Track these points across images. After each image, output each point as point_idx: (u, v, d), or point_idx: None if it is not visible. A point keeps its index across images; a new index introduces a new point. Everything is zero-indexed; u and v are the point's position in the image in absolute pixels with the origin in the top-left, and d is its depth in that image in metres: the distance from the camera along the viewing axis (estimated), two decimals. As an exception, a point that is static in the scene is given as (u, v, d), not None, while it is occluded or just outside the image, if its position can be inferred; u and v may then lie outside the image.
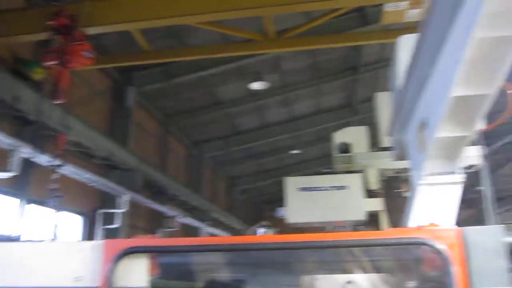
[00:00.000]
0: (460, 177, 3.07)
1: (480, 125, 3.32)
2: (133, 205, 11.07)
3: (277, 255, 2.79)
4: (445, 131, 2.71)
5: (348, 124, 17.30)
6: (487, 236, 2.34)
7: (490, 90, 2.42)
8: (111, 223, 10.01)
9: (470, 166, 3.88)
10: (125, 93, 11.69)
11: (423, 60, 2.99)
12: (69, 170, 8.16)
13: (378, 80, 13.46)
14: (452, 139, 2.79)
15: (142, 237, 2.42)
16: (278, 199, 9.00)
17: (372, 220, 6.29)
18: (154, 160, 13.61)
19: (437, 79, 2.74)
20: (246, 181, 21.96)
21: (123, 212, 10.11)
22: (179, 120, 14.86)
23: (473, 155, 4.97)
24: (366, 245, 2.53)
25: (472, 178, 4.49)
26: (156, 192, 12.90)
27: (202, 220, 15.54)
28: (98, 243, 2.39)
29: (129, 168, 10.87)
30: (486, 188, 5.30)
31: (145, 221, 13.36)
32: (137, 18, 7.06)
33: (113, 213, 10.02)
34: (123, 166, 10.62)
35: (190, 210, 14.99)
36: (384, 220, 6.23)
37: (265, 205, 25.00)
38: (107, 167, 10.51)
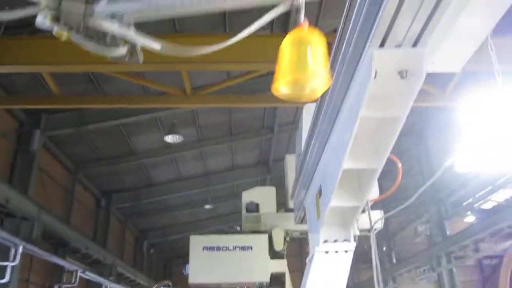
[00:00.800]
0: (353, 245, 3.17)
1: (373, 195, 3.50)
2: (28, 257, 10.16)
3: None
4: (338, 201, 2.82)
5: (262, 182, 17.61)
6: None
7: (378, 164, 2.58)
8: (1, 277, 9.06)
9: (371, 229, 4.03)
10: (30, 136, 11.04)
11: (320, 130, 3.14)
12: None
13: (292, 141, 13.95)
14: (345, 209, 2.90)
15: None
16: (188, 254, 8.75)
17: (278, 282, 6.27)
18: (58, 209, 12.76)
19: (331, 151, 2.87)
20: (157, 235, 21.20)
21: (14, 266, 9.21)
22: (89, 168, 14.21)
23: (375, 218, 5.17)
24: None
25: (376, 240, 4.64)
26: (56, 244, 12.00)
27: (106, 275, 14.60)
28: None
29: (27, 216, 10.06)
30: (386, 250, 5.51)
31: (41, 275, 12.29)
32: (48, 61, 6.82)
33: (2, 266, 9.09)
34: (20, 214, 9.81)
35: (93, 264, 14.06)
36: (288, 281, 6.23)
37: (175, 261, 24.16)
38: (1, 214, 9.65)
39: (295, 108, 12.07)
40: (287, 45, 2.11)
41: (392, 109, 2.29)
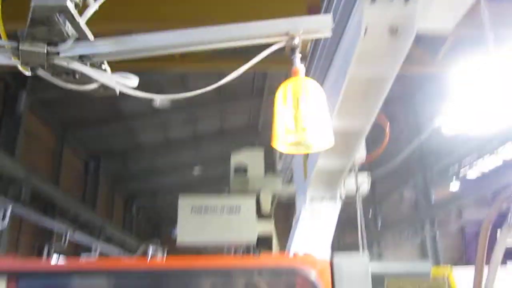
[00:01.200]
0: (339, 205, 3.22)
1: (360, 156, 3.53)
2: (17, 219, 10.17)
3: (148, 280, 2.69)
4: (325, 161, 2.84)
5: (251, 146, 17.65)
6: (354, 264, 2.46)
7: (365, 124, 2.59)
8: (-11, 239, 9.12)
9: (356, 190, 4.07)
10: (17, 98, 10.85)
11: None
12: None
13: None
14: (332, 169, 2.93)
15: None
16: (176, 218, 8.84)
17: (265, 243, 6.37)
18: (46, 173, 12.71)
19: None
20: (146, 198, 21.31)
21: (4, 227, 9.25)
22: (76, 131, 14.09)
23: (361, 182, 5.23)
24: (241, 271, 2.53)
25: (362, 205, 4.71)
26: (45, 206, 12.02)
27: (95, 237, 14.72)
28: None
29: (14, 179, 10.02)
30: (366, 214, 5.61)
31: (31, 237, 12.35)
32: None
33: (-9, 228, 9.12)
34: (8, 177, 9.77)
35: (83, 226, 14.14)
36: (275, 242, 6.34)
37: (164, 224, 24.39)
38: (-12, 177, 9.61)
39: (285, 72, 11.99)
40: (281, 100, 1.99)
41: (381, 68, 2.28)
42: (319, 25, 2.08)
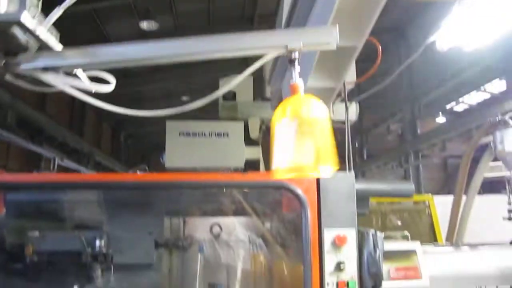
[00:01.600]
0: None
1: (350, 79, 3.49)
2: (5, 145, 10.14)
3: (142, 195, 2.73)
4: (315, 81, 2.80)
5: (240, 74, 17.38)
6: (340, 182, 2.50)
7: (357, 42, 2.52)
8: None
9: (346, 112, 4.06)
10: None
11: (301, 8, 3.01)
12: None
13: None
14: (322, 89, 2.89)
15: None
16: (165, 146, 8.87)
17: (252, 168, 6.46)
18: (32, 98, 12.50)
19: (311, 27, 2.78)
20: (134, 126, 21.28)
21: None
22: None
23: (351, 111, 5.24)
24: (230, 186, 2.56)
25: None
26: (32, 133, 11.95)
27: (83, 164, 14.83)
28: None
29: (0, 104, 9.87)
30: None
31: (19, 162, 12.39)
32: None
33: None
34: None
35: (71, 153, 14.19)
36: (263, 168, 6.43)
37: (153, 151, 24.55)
38: (-28, 103, 9.44)
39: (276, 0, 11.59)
40: (279, 123, 1.77)
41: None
42: (322, 38, 1.91)
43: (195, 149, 5.54)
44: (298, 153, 1.73)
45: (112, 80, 2.07)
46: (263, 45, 1.94)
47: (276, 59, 3.77)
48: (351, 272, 2.43)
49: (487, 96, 18.82)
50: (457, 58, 12.85)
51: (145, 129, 21.55)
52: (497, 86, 16.60)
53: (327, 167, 1.76)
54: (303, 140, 1.73)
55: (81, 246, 2.79)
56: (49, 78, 1.95)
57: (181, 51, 1.99)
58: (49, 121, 12.67)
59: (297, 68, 1.86)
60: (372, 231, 2.49)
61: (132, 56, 1.99)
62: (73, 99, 15.96)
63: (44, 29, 1.92)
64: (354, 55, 2.60)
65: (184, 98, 17.71)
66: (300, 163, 1.73)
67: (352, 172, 2.53)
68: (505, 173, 3.68)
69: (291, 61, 1.86)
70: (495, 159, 3.82)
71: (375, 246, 2.44)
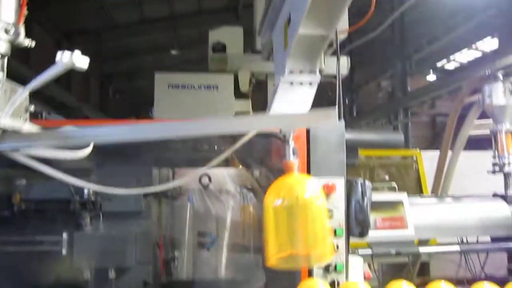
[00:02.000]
0: (318, 77, 3.17)
1: (343, 28, 3.42)
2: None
3: (129, 145, 2.69)
4: (306, 28, 2.72)
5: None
6: (330, 131, 2.49)
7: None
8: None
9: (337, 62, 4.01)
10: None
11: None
12: None
13: (264, -14, 13.22)
14: (313, 37, 2.82)
15: None
16: (153, 100, 8.76)
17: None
18: (15, 50, 12.17)
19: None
20: (122, 80, 20.96)
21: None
22: (46, 7, 13.26)
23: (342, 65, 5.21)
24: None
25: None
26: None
27: (72, 118, 14.68)
28: None
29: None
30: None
31: (5, 115, 12.21)
32: None
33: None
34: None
35: (59, 107, 14.02)
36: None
37: (141, 106, 24.33)
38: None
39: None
40: (273, 205, 1.73)
41: None
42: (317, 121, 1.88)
43: (184, 102, 5.47)
44: (288, 240, 1.72)
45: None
46: (258, 128, 2.06)
47: (266, 9, 3.66)
48: (338, 219, 2.47)
49: (479, 54, 18.74)
50: (450, 11, 12.68)
51: (133, 84, 21.27)
52: (489, 44, 16.53)
53: (321, 256, 1.79)
54: (296, 225, 1.71)
55: (69, 194, 2.79)
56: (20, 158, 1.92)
57: (167, 132, 1.99)
58: (34, 73, 12.37)
59: (291, 145, 1.90)
60: (360, 179, 2.51)
61: (112, 138, 1.96)
62: (58, 51, 15.61)
63: (8, 113, 1.87)
64: (346, 3, 2.52)
65: (173, 52, 17.38)
66: (294, 251, 1.72)
67: (342, 121, 2.52)
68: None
69: (285, 140, 1.93)
70: (482, 116, 3.83)
71: (363, 194, 2.46)
